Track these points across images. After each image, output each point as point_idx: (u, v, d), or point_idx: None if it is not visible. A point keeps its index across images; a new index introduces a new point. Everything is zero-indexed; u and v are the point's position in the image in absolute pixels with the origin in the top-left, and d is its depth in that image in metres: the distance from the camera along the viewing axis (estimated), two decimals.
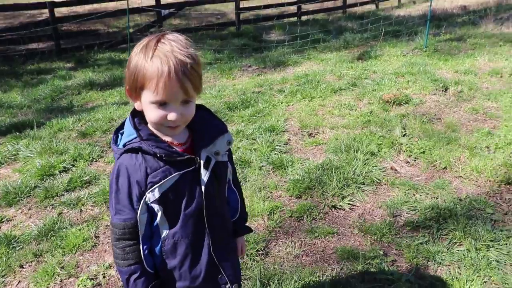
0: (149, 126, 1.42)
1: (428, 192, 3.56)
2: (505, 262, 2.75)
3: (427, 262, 2.78)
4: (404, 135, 4.49)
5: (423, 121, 4.80)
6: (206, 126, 1.50)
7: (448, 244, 2.94)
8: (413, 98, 5.53)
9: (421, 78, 6.30)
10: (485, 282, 2.59)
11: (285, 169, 3.89)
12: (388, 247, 2.94)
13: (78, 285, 2.67)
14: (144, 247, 1.46)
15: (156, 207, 1.43)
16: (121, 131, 1.48)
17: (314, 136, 4.61)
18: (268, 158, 4.06)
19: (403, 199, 3.45)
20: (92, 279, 2.71)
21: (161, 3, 11.21)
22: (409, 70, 6.78)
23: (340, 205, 3.38)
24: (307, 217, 3.24)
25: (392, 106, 5.32)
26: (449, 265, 2.75)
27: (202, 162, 1.43)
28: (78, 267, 2.84)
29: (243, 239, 1.81)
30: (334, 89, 5.97)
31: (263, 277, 2.60)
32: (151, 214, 1.45)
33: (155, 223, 1.46)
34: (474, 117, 5.07)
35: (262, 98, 5.80)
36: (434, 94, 5.75)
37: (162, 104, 1.31)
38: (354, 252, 2.84)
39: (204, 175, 1.44)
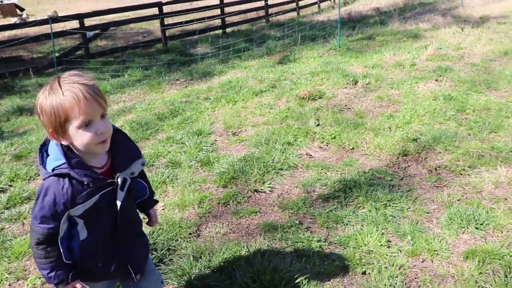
0: (76, 151, 1.65)
1: (338, 170, 4.08)
2: (398, 216, 3.29)
3: (336, 225, 3.27)
4: (318, 125, 5.02)
5: (334, 112, 5.37)
6: (123, 152, 1.76)
7: (354, 208, 3.45)
8: (326, 93, 6.12)
9: (334, 75, 6.94)
10: (382, 233, 3.10)
11: (212, 165, 4.28)
12: (303, 217, 3.40)
13: (28, 285, 2.89)
14: (63, 245, 1.75)
15: (77, 219, 1.71)
16: (44, 148, 1.69)
17: (237, 135, 5.05)
18: (196, 157, 4.45)
19: (316, 177, 3.94)
20: (40, 277, 2.92)
21: (85, 25, 11.25)
22: (324, 69, 7.42)
23: (261, 189, 3.81)
24: (233, 202, 3.64)
25: (308, 101, 5.87)
26: (354, 225, 3.24)
27: (119, 184, 1.72)
28: (25, 270, 3.05)
29: (154, 211, 2.19)
30: (256, 92, 6.45)
31: (195, 253, 2.96)
32: (72, 222, 1.73)
33: (76, 229, 1.75)
34: (379, 104, 5.72)
35: (190, 107, 6.18)
36: (345, 87, 6.38)
37: (87, 125, 1.56)
38: (274, 225, 3.27)
39: (121, 195, 1.73)
